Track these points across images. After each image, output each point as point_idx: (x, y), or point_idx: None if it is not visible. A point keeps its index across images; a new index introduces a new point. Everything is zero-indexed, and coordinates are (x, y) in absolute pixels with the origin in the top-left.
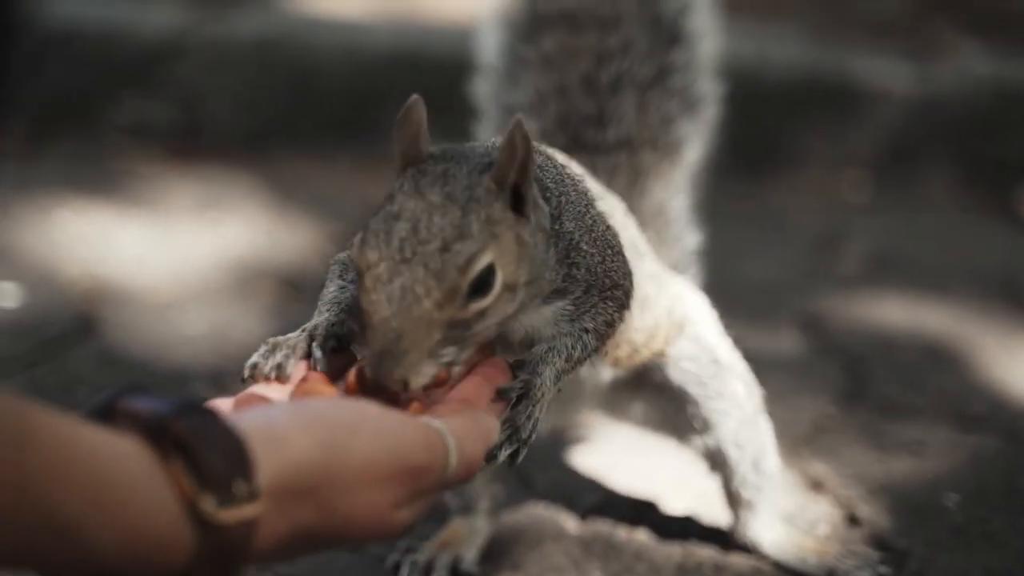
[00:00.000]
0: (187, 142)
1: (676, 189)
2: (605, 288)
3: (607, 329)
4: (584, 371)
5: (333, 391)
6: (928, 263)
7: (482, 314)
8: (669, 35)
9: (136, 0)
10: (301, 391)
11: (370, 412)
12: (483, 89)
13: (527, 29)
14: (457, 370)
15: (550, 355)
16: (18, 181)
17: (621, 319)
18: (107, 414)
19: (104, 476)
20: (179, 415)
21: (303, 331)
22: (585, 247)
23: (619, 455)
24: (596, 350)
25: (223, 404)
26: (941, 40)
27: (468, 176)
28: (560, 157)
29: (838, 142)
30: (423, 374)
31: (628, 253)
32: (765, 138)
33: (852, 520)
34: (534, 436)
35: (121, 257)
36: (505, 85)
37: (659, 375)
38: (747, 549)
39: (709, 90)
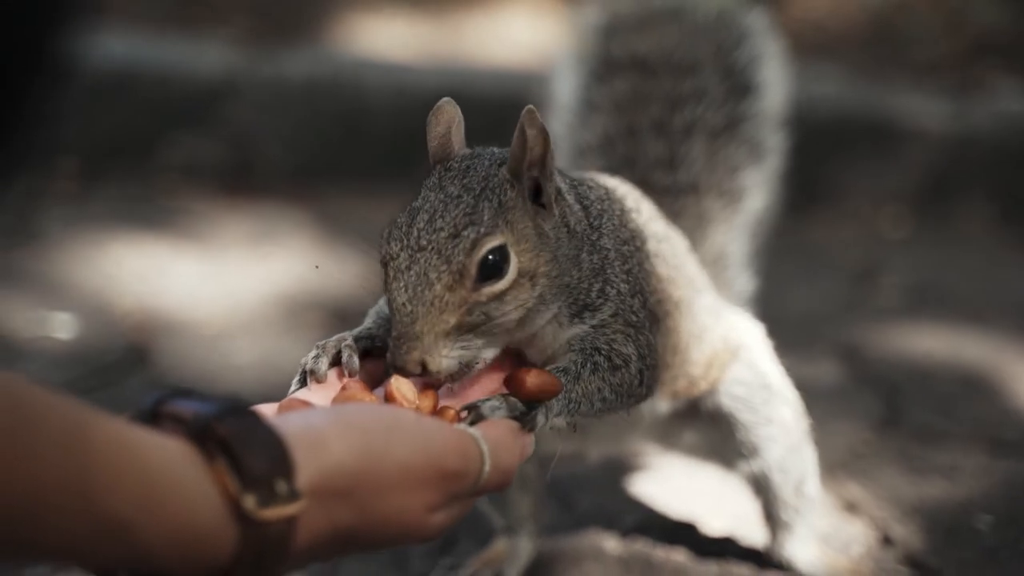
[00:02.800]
0: (239, 179)
1: (737, 235)
2: (630, 324)
3: (621, 362)
4: (643, 408)
5: (372, 397)
6: (964, 295)
7: (499, 299)
8: (741, 85)
9: (189, 41)
10: (342, 397)
11: (406, 417)
12: (554, 128)
13: (600, 72)
14: (479, 367)
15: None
16: (73, 217)
17: (636, 357)
18: (153, 417)
19: (155, 477)
20: (222, 417)
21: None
22: (619, 269)
23: (658, 476)
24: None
25: (267, 409)
26: (982, 80)
27: (487, 168)
28: (632, 196)
29: (877, 178)
30: (441, 357)
31: (686, 289)
32: (807, 174)
33: (886, 541)
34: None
35: (173, 290)
36: (576, 125)
37: (711, 401)
38: (783, 568)
39: (775, 141)
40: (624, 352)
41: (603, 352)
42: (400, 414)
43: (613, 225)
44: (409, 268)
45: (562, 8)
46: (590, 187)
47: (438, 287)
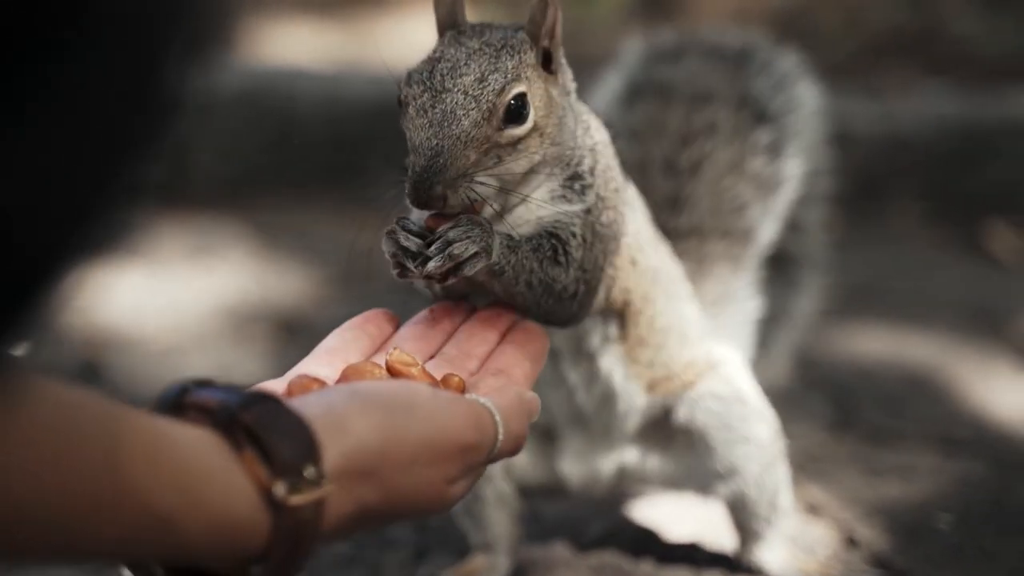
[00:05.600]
0: (175, 192)
1: (743, 270)
2: (592, 231)
3: (563, 261)
4: (618, 386)
5: (381, 370)
6: (901, 295)
7: (514, 146)
8: (757, 113)
9: None
10: (351, 372)
11: (423, 393)
12: None
13: (626, 96)
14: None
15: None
16: None
17: (603, 264)
18: (176, 407)
19: (190, 467)
20: (247, 405)
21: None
22: (604, 165)
23: None
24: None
25: (275, 385)
26: (899, 80)
27: (505, 30)
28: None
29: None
30: (460, 193)
31: (679, 287)
32: None
33: (851, 542)
34: (467, 268)
35: (119, 305)
36: None
37: (685, 413)
38: (753, 572)
39: (790, 171)
40: (573, 254)
41: (554, 241)
42: (416, 390)
43: (602, 140)
44: (434, 107)
45: (472, 12)
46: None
47: (466, 123)
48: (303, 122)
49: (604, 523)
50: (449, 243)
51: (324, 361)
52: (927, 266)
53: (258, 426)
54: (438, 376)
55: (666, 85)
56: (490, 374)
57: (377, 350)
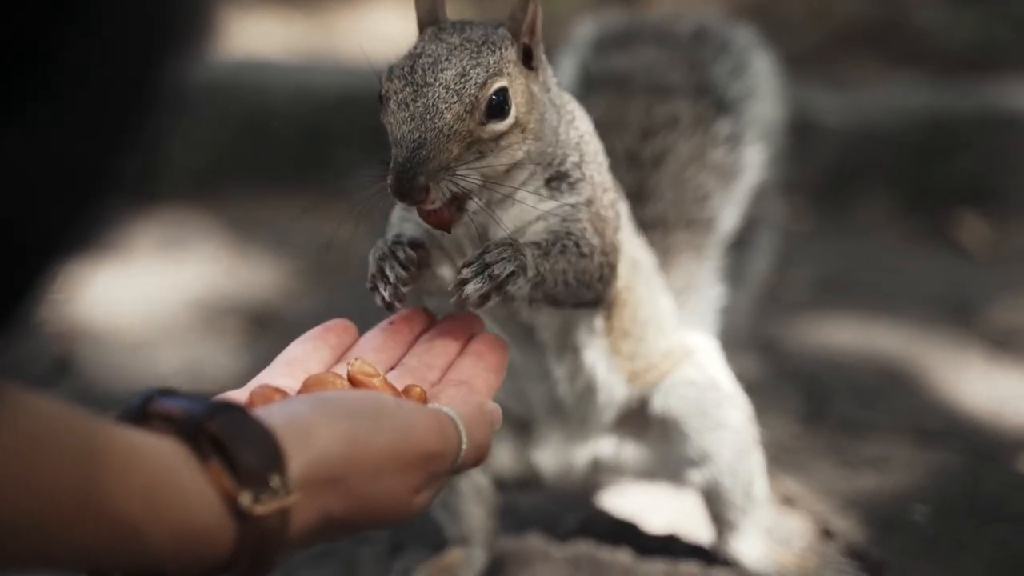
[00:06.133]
0: (145, 185)
1: (706, 259)
2: (600, 217)
3: (587, 251)
4: (601, 378)
5: (343, 381)
6: (871, 287)
7: (496, 141)
8: (717, 102)
9: None
10: (312, 382)
11: (387, 402)
12: None
13: (581, 90)
14: (471, 209)
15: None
16: None
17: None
18: (140, 416)
19: (157, 477)
20: (212, 415)
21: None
22: (592, 154)
23: None
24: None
25: (236, 396)
26: (865, 72)
27: (485, 27)
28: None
29: (779, 172)
30: (443, 187)
31: (656, 278)
32: None
33: (826, 534)
34: (510, 286)
35: (90, 299)
36: None
37: (661, 403)
38: (730, 564)
39: (750, 159)
40: (592, 243)
41: (573, 237)
42: (381, 399)
43: (588, 130)
44: (415, 100)
45: None
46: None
47: (448, 116)
48: (272, 114)
49: (579, 515)
50: (487, 265)
51: (284, 372)
52: (897, 258)
53: (223, 435)
54: (399, 387)
55: (623, 76)
56: (451, 385)
57: (337, 360)
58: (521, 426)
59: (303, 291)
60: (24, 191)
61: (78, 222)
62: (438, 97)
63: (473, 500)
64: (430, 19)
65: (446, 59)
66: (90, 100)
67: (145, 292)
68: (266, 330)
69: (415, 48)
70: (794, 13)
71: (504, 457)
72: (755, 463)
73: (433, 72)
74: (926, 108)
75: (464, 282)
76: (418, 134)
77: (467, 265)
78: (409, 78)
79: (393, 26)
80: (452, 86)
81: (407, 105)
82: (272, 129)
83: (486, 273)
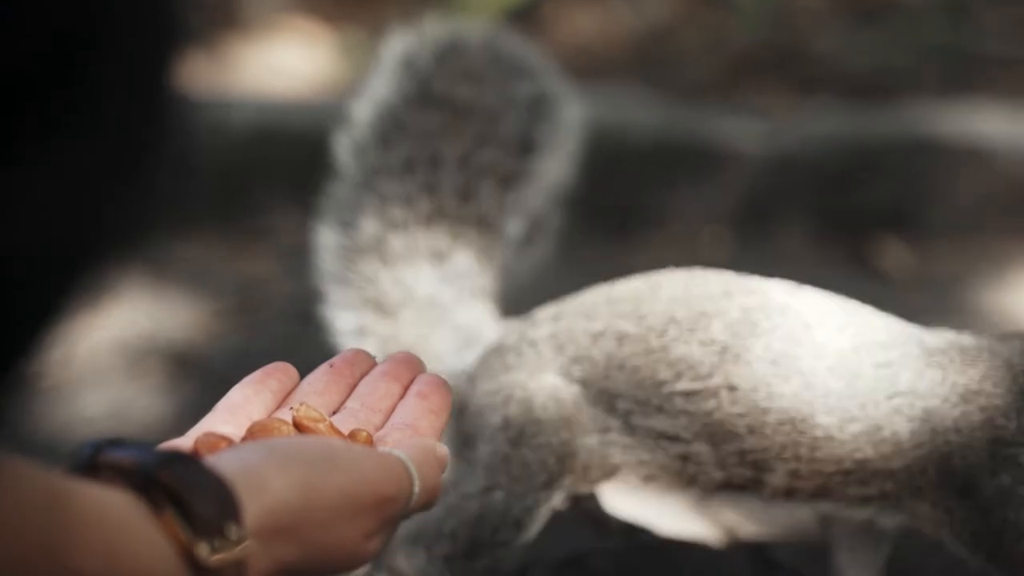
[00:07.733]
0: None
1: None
2: None
3: None
4: None
5: (289, 427)
6: None
7: None
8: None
9: None
10: (258, 428)
11: (338, 447)
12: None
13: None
14: None
15: None
16: None
17: None
18: (89, 468)
19: (114, 532)
20: (164, 465)
21: None
22: None
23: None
24: None
25: (182, 443)
26: (770, 100)
27: None
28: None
29: (696, 201)
30: None
31: None
32: (626, 200)
33: None
34: None
35: None
36: (370, 146)
37: None
38: None
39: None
40: None
41: None
42: (331, 444)
43: None
44: None
45: (333, 35)
46: None
47: None
48: (185, 151)
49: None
50: None
51: (227, 419)
52: (818, 284)
53: (177, 486)
54: (345, 431)
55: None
56: (396, 428)
57: (279, 405)
58: None
59: (224, 331)
60: (33, 233)
61: (84, 265)
62: None
63: None
64: None
65: None
66: (99, 140)
67: (62, 333)
68: (189, 371)
69: None
70: (690, 43)
71: None
72: None
73: None
74: (839, 133)
75: None
76: None
77: None
78: None
79: (293, 58)
80: None
81: None
82: (183, 167)
83: None
